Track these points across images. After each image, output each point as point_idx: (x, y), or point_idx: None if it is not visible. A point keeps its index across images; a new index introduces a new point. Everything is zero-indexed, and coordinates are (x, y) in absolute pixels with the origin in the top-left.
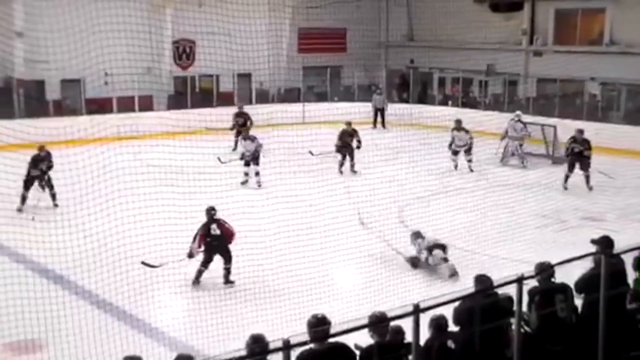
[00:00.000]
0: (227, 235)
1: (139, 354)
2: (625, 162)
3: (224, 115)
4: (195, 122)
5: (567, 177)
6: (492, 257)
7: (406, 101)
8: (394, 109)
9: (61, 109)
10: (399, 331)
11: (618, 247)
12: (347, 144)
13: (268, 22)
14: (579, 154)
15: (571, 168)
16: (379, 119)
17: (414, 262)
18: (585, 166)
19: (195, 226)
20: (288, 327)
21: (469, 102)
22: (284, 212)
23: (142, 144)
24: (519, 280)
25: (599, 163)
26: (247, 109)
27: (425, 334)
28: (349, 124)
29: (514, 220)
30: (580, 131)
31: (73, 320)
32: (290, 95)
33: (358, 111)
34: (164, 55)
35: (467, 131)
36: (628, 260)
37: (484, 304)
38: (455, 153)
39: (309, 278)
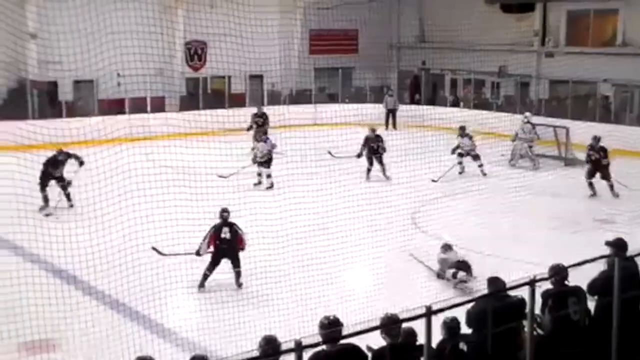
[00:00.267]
0: (237, 240)
1: (151, 355)
2: (638, 164)
3: (236, 116)
4: (208, 124)
5: (589, 184)
6: (504, 259)
7: (418, 103)
8: (405, 111)
9: (74, 110)
10: (412, 333)
11: (631, 249)
12: (374, 150)
13: (279, 24)
14: (596, 162)
15: (589, 175)
16: (390, 120)
17: (440, 275)
18: (606, 175)
19: (207, 227)
20: (301, 328)
21: (480, 104)
22: (297, 214)
23: (154, 145)
24: (532, 283)
25: (612, 164)
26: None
27: (437, 336)
28: (372, 129)
29: (527, 222)
30: (596, 138)
31: (86, 320)
32: (301, 97)
33: (370, 112)
34: (176, 56)
35: (470, 137)
36: None
37: (496, 306)
38: (462, 155)
39: (323, 279)
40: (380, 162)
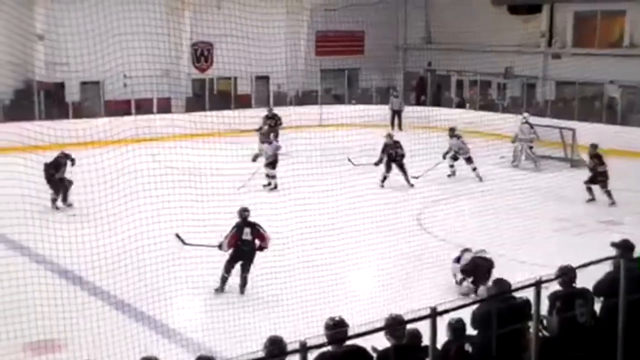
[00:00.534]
0: (259, 240)
1: (156, 355)
2: None
3: (242, 117)
4: (214, 125)
5: (587, 189)
6: (509, 260)
7: (423, 104)
8: (410, 112)
9: (80, 111)
10: (416, 335)
11: (638, 250)
12: (393, 157)
13: (286, 25)
14: (593, 169)
15: (589, 181)
16: (395, 121)
17: (455, 281)
18: (602, 182)
19: (213, 228)
20: (306, 329)
21: (486, 105)
22: (301, 215)
23: (160, 146)
24: (537, 284)
25: (616, 165)
26: (264, 111)
27: (443, 338)
28: (390, 135)
29: (533, 223)
30: (592, 146)
31: (92, 320)
32: (307, 98)
33: (375, 114)
34: (183, 57)
35: (459, 137)
36: None
37: (501, 308)
38: (455, 159)
39: (329, 280)
40: (402, 169)
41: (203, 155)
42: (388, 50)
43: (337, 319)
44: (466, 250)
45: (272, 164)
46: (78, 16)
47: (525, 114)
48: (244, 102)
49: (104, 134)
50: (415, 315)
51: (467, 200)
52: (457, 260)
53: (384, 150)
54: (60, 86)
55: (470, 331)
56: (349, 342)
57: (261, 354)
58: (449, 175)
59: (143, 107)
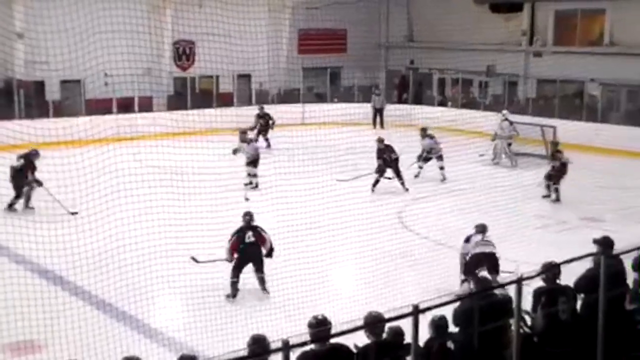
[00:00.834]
0: (262, 242)
1: (138, 355)
2: (625, 163)
3: (224, 116)
4: (195, 123)
5: (546, 186)
6: None
7: (405, 102)
8: (392, 110)
9: (61, 110)
10: (399, 332)
11: (618, 247)
12: (388, 162)
13: (268, 23)
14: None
15: (547, 178)
16: (377, 119)
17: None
18: (554, 178)
19: (196, 227)
20: (290, 327)
21: (468, 103)
22: (284, 214)
23: (142, 145)
24: (519, 281)
25: (597, 162)
26: (246, 110)
27: (425, 335)
28: (380, 140)
29: (514, 220)
30: (552, 143)
31: (73, 320)
32: (290, 97)
33: (357, 112)
34: (164, 56)
35: (431, 137)
36: (628, 261)
37: (482, 305)
38: (427, 160)
39: (312, 278)
40: (398, 174)
41: (185, 154)
42: (370, 48)
43: (320, 317)
44: (478, 230)
45: (253, 162)
46: (58, 14)
47: (505, 111)
48: (225, 101)
49: (85, 132)
50: (398, 312)
51: (448, 198)
52: (467, 239)
53: (379, 157)
54: (41, 85)
55: (453, 328)
56: (332, 341)
57: (244, 353)
58: (415, 176)
59: (124, 105)
